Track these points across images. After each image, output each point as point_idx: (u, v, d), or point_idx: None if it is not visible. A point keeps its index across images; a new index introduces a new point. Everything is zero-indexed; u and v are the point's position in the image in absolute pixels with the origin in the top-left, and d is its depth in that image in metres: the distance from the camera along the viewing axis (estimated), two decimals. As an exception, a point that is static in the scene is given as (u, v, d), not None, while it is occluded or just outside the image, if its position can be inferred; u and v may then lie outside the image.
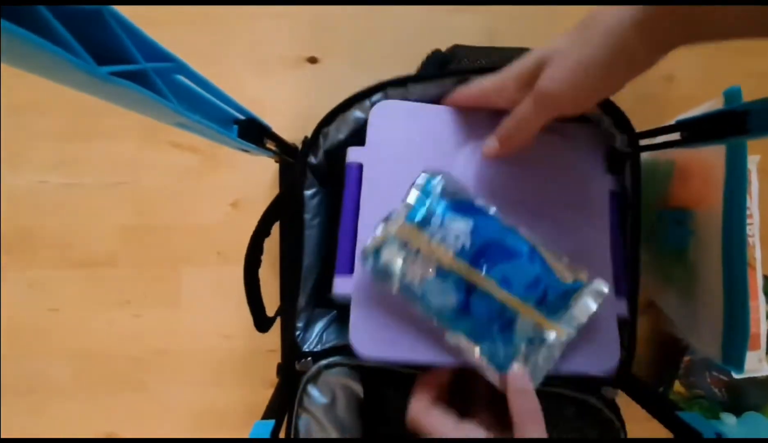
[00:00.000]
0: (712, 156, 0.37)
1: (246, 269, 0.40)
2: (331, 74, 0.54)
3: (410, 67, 0.51)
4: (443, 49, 0.46)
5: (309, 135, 0.39)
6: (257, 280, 0.40)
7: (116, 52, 0.20)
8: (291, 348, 0.37)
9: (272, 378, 0.52)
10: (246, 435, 0.52)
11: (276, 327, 0.50)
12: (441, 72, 0.37)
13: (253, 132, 0.33)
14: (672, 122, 0.37)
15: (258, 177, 0.53)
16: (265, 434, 0.32)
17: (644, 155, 0.49)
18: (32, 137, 0.54)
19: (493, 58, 0.42)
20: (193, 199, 0.54)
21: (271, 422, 0.33)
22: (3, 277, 0.54)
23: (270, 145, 0.40)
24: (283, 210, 0.42)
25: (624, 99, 0.50)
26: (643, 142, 0.41)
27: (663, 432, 0.36)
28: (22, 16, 0.15)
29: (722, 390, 0.50)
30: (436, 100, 0.38)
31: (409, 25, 0.54)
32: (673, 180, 0.44)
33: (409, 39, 0.53)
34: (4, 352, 0.54)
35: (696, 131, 0.34)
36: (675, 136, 0.37)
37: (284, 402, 0.36)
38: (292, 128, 0.52)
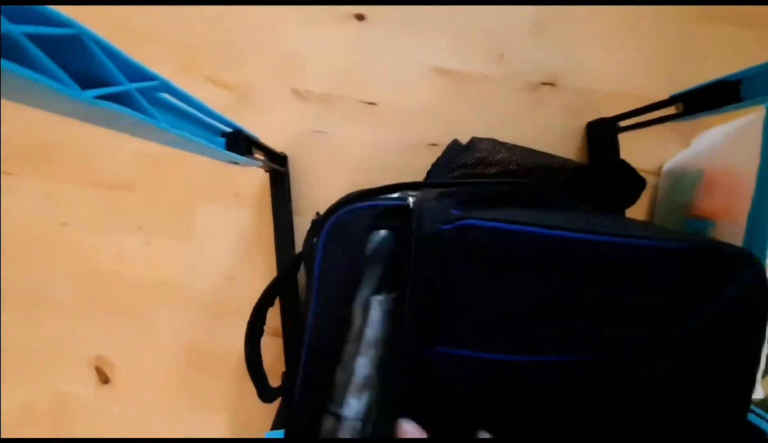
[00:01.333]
0: (743, 168, 0.38)
1: (248, 340, 0.39)
2: (376, 34, 0.52)
3: (447, 49, 0.52)
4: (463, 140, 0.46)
5: (321, 212, 0.37)
6: (259, 352, 0.40)
7: (98, 76, 0.20)
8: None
9: (269, 327, 0.50)
10: (235, 383, 0.52)
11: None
12: (458, 181, 0.37)
13: (240, 143, 0.33)
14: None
15: (285, 127, 0.52)
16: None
17: (672, 162, 0.49)
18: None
19: (515, 155, 0.41)
20: (220, 136, 0.53)
21: None
22: (18, 186, 0.53)
23: (258, 155, 0.40)
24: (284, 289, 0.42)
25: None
26: (636, 120, 0.41)
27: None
28: (2, 45, 0.15)
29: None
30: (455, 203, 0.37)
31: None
32: (700, 189, 0.44)
33: (461, 12, 0.52)
34: (11, 260, 0.53)
35: (691, 102, 0.35)
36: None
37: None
38: (329, 82, 0.52)
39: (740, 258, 0.30)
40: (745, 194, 0.37)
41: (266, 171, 0.49)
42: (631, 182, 0.41)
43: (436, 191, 0.36)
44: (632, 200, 0.41)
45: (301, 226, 0.52)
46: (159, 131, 0.24)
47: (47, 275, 0.53)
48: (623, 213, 0.44)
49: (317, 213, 0.39)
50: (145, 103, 0.22)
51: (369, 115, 0.52)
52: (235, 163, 0.36)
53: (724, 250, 0.30)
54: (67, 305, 0.53)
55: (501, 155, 0.41)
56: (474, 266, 0.29)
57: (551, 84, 0.52)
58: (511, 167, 0.41)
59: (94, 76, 0.20)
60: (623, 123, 0.46)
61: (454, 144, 0.47)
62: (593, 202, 0.38)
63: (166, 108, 0.25)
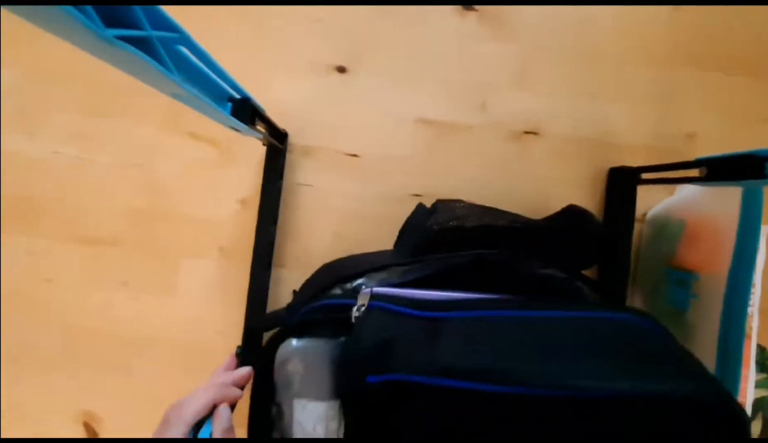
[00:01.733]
0: (724, 221, 0.38)
1: None
2: (357, 87, 0.53)
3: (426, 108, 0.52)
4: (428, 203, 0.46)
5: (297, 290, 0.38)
6: None
7: (124, 16, 0.20)
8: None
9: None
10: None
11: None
12: (420, 257, 0.38)
13: (246, 111, 0.33)
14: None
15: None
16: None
17: (656, 210, 0.50)
18: (54, 106, 0.53)
19: (478, 215, 0.41)
20: (204, 191, 0.53)
21: None
22: (3, 240, 0.53)
23: (260, 127, 0.40)
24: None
25: (646, 154, 0.52)
26: (658, 175, 0.41)
27: None
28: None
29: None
30: (418, 279, 0.37)
31: (445, 49, 0.53)
32: (682, 240, 0.44)
33: (442, 62, 0.53)
34: (-6, 316, 0.53)
35: (715, 169, 0.35)
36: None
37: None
38: (311, 135, 0.53)
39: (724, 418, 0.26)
40: (726, 249, 0.37)
41: (264, 144, 0.49)
42: (591, 241, 0.40)
43: (401, 268, 0.37)
44: (593, 261, 0.41)
45: (284, 277, 0.52)
46: (169, 82, 0.24)
47: (33, 330, 0.53)
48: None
49: (293, 291, 0.39)
50: (162, 52, 0.22)
51: (352, 166, 0.53)
52: (237, 130, 0.36)
53: (706, 402, 0.26)
54: (53, 360, 0.53)
55: (464, 214, 0.42)
56: (401, 424, 0.27)
57: (534, 133, 0.53)
58: (472, 224, 0.41)
59: (119, 15, 0.20)
60: (646, 176, 0.46)
61: (419, 208, 0.46)
62: (555, 261, 0.37)
63: (182, 62, 0.26)
